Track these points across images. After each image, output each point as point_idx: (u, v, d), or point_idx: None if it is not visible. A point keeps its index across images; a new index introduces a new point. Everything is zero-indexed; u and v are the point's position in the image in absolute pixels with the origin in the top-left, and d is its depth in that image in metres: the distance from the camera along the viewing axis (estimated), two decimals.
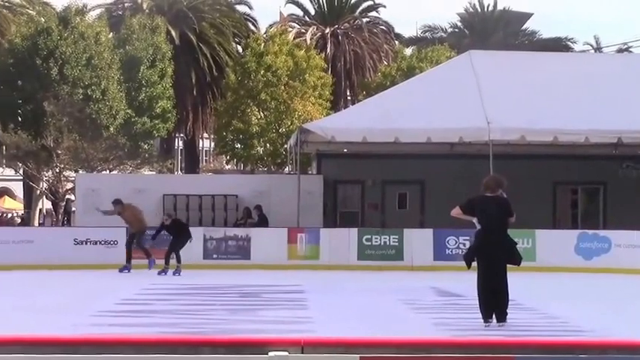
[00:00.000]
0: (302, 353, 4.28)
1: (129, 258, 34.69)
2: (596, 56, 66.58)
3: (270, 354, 4.20)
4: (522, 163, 36.70)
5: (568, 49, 74.06)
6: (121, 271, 34.07)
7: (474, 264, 19.22)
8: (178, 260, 33.47)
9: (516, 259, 19.35)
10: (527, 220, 36.24)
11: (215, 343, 5.47)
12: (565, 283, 30.05)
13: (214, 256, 37.10)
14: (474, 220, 19.47)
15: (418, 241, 37.01)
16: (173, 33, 62.43)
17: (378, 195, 42.97)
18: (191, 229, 38.35)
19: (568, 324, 20.09)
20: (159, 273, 32.89)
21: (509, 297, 19.00)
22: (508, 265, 19.25)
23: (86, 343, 5.67)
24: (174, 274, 32.91)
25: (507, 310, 18.78)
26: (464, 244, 34.93)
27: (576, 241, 36.51)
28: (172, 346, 5.26)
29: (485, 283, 19.01)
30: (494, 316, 18.73)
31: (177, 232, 34.05)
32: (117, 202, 35.25)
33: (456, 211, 19.76)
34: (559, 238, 36.11)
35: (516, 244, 19.84)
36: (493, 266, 19.09)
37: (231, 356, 4.38)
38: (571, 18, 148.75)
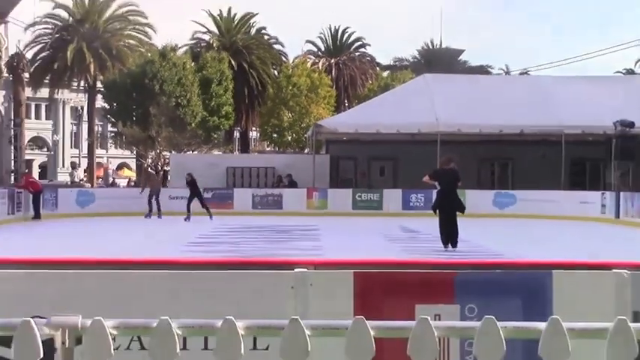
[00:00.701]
0: (315, 270, 4.23)
1: (151, 209, 33.87)
2: (507, 77, 66.41)
3: (295, 270, 4.14)
4: (458, 146, 36.47)
5: (488, 72, 73.62)
6: (146, 216, 33.26)
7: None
8: (188, 210, 31.90)
9: (461, 209, 20.59)
10: (462, 185, 36.54)
11: (259, 263, 5.43)
12: (487, 224, 30.01)
13: (259, 207, 37.09)
14: (436, 183, 20.64)
15: (392, 196, 37.11)
16: (233, 63, 62.05)
17: (365, 167, 42.94)
18: (243, 189, 38.73)
19: (490, 250, 20.17)
20: (185, 219, 31.45)
21: (458, 232, 20.01)
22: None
23: (179, 264, 5.63)
24: (185, 219, 31.39)
25: (457, 240, 19.81)
26: (421, 199, 35.11)
27: (493, 197, 36.56)
28: (231, 264, 5.22)
29: (444, 224, 20.21)
30: (449, 244, 19.79)
31: (192, 188, 32.53)
32: (143, 173, 33.39)
33: (426, 178, 20.91)
34: (482, 195, 35.99)
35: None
36: (448, 213, 20.19)
37: (269, 271, 4.33)
38: (490, 51, 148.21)
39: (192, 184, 32.62)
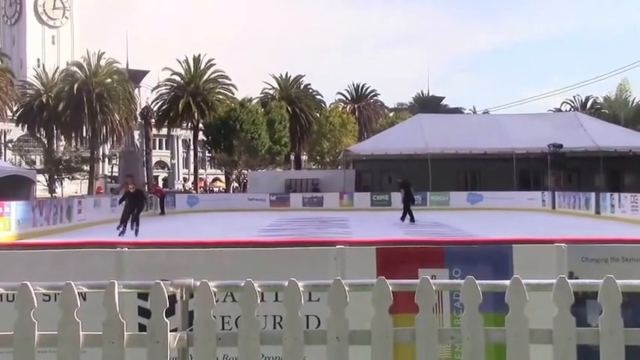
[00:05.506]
0: (350, 246, 4.18)
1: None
2: (474, 115, 65.56)
3: (337, 247, 4.10)
4: (442, 162, 36.19)
5: (461, 112, 72.77)
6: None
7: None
8: (128, 218, 18.22)
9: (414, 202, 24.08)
10: (445, 188, 36.17)
11: (311, 242, 5.38)
12: (463, 215, 29.64)
13: (307, 205, 36.97)
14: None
15: (397, 197, 36.47)
16: (289, 109, 61.98)
17: (378, 178, 42.62)
18: (296, 194, 38.40)
19: (467, 232, 19.86)
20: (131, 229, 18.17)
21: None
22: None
23: (255, 243, 5.60)
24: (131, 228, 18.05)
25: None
26: (418, 199, 34.06)
27: (467, 196, 36.11)
28: (293, 243, 5.18)
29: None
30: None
31: (134, 197, 18.38)
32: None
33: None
34: (459, 195, 35.58)
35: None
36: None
37: (319, 248, 4.29)
38: (462, 97, 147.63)
39: (135, 194, 18.62)
